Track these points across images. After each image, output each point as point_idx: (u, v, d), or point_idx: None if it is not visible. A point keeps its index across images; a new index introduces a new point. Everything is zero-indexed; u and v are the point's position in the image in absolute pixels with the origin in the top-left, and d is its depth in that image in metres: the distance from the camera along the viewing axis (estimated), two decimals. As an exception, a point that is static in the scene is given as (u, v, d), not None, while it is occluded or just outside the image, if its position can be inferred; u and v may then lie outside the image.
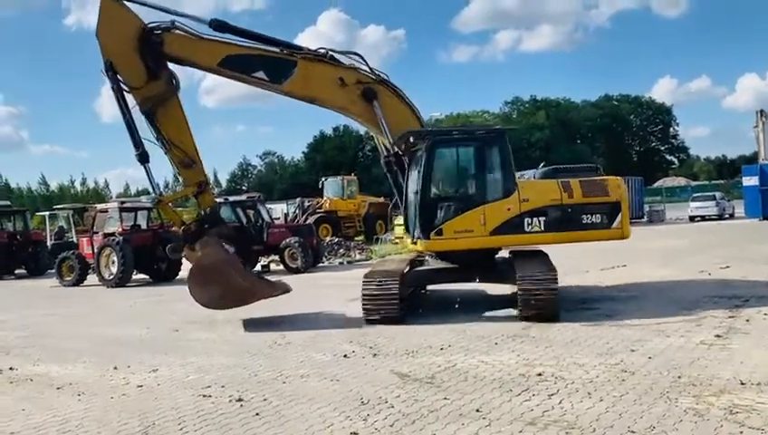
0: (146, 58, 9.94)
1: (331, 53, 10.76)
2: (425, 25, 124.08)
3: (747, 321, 8.59)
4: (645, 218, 39.10)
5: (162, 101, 10.10)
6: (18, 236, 25.24)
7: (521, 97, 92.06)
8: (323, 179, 34.89)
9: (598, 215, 10.48)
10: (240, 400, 6.24)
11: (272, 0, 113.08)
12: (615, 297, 11.15)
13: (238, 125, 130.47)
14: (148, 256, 19.42)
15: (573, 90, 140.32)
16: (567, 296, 11.14)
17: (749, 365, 6.39)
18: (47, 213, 31.27)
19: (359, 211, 32.19)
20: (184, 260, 19.75)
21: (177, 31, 10.17)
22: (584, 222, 10.45)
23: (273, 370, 7.35)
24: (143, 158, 10.26)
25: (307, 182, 69.35)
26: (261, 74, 10.48)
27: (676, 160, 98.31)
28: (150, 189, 10.96)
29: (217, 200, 23.80)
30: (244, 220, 20.52)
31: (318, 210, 31.23)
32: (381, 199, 37.37)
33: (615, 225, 10.57)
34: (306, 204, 32.74)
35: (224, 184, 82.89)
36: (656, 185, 74.06)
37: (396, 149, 10.99)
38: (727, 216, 36.95)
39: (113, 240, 18.57)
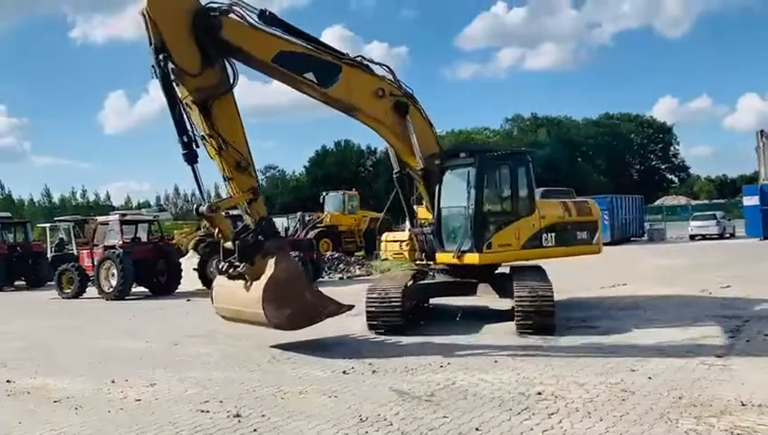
0: (202, 42, 8.66)
1: (366, 62, 10.43)
2: (428, 42, 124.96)
3: (748, 341, 8.56)
4: (645, 237, 39.09)
5: (218, 94, 8.87)
6: (18, 248, 25.21)
7: (522, 114, 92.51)
8: (324, 194, 34.89)
9: (585, 232, 11.95)
10: (238, 415, 6.21)
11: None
12: (616, 316, 11.11)
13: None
14: (148, 269, 19.40)
15: (575, 108, 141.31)
16: (568, 314, 11.14)
17: (750, 386, 6.36)
18: (48, 225, 31.28)
19: (359, 226, 32.16)
20: (187, 273, 19.97)
21: (235, 16, 9.03)
22: (578, 238, 11.82)
23: (272, 385, 7.31)
24: (192, 157, 8.83)
25: (308, 196, 69.45)
26: (310, 76, 9.67)
27: (676, 179, 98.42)
28: (198, 194, 9.33)
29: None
30: (245, 234, 20.48)
31: (318, 225, 31.21)
32: (382, 215, 37.41)
33: (594, 241, 12.20)
34: (307, 218, 32.74)
35: (224, 195, 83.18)
36: (656, 203, 74.07)
37: (423, 164, 10.80)
38: (728, 235, 36.93)
39: (113, 253, 18.56)
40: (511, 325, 9.96)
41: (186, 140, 8.77)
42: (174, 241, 27.09)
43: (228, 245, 9.39)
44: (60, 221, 31.19)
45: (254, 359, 8.91)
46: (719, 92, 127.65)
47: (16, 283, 25.15)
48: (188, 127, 8.81)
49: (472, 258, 10.46)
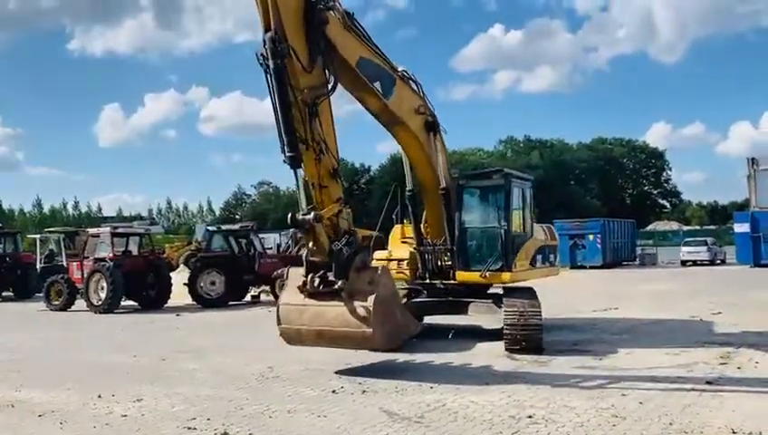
0: (311, 36, 8.10)
1: (408, 76, 10.38)
2: (424, 63, 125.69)
3: (738, 368, 8.56)
4: (637, 261, 39.19)
5: (323, 95, 8.31)
6: (8, 259, 25.02)
7: (515, 137, 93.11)
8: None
9: (552, 255, 12.59)
10: (225, 434, 6.13)
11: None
12: (607, 340, 11.10)
13: (234, 154, 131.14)
14: (137, 283, 19.26)
15: (570, 131, 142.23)
16: (559, 338, 11.13)
17: (741, 414, 6.34)
18: (38, 236, 31.07)
19: (352, 244, 32.09)
20: (177, 288, 19.83)
21: (334, 13, 8.58)
22: (549, 260, 12.44)
23: (260, 403, 7.23)
24: (298, 161, 8.07)
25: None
26: (378, 85, 9.42)
27: (668, 204, 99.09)
28: (301, 201, 8.37)
29: (210, 228, 23.99)
30: (237, 249, 20.46)
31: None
32: (375, 233, 37.34)
33: (556, 263, 12.90)
34: (299, 235, 32.64)
35: (218, 212, 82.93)
36: (648, 228, 74.42)
37: (445, 184, 10.85)
38: (719, 261, 37.09)
39: (103, 265, 18.42)
40: (503, 345, 9.98)
41: (293, 140, 7.99)
42: (165, 255, 26.97)
43: (316, 258, 8.45)
44: (50, 232, 31.00)
45: (243, 376, 8.82)
46: (712, 119, 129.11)
47: (4, 293, 24.91)
48: (304, 127, 8.13)
49: (504, 277, 10.64)
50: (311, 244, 8.46)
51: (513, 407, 6.78)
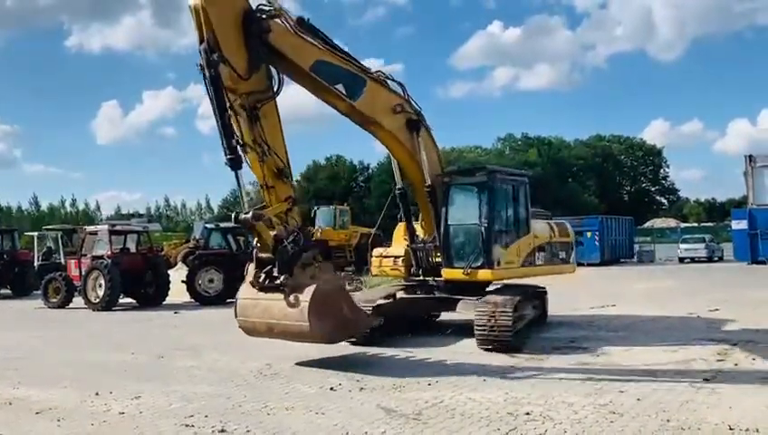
0: (250, 44, 8.41)
1: (383, 77, 10.56)
2: (423, 60, 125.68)
3: (736, 365, 8.58)
4: (635, 258, 39.23)
5: (265, 100, 8.68)
6: (5, 256, 25.00)
7: (513, 134, 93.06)
8: (315, 208, 34.84)
9: (564, 252, 12.48)
10: (223, 431, 6.13)
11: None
12: (605, 337, 11.11)
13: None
14: (135, 280, 19.24)
15: (568, 128, 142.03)
16: (557, 335, 11.15)
17: (738, 410, 6.35)
18: (36, 233, 31.03)
19: (350, 241, 32.12)
20: (175, 285, 19.82)
21: (281, 21, 8.92)
22: (559, 257, 12.34)
23: (258, 401, 7.24)
24: (237, 163, 8.48)
25: (300, 211, 69.40)
26: (340, 87, 9.71)
27: (666, 202, 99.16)
28: (242, 201, 9.15)
29: (208, 226, 23.97)
30: (234, 247, 20.44)
31: (309, 239, 31.12)
32: (373, 230, 37.38)
33: (570, 261, 12.73)
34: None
35: (216, 210, 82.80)
36: (646, 225, 74.44)
37: (430, 181, 10.95)
38: (716, 258, 37.15)
39: (101, 263, 18.40)
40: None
41: (232, 144, 8.39)
42: (163, 252, 26.97)
43: (264, 255, 8.99)
44: (48, 230, 30.97)
45: (241, 373, 8.82)
46: (710, 117, 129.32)
47: (2, 291, 24.90)
48: (238, 132, 8.56)
49: (485, 274, 10.64)
50: (255, 241, 9.15)
51: (510, 404, 6.79)
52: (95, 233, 20.57)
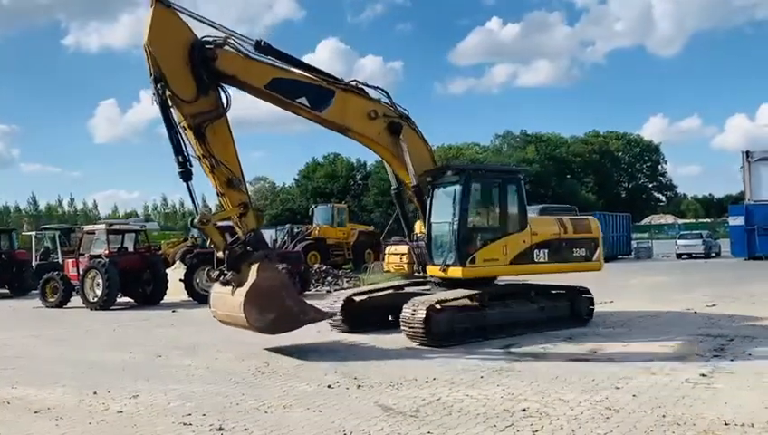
0: (197, 72, 9.48)
1: (361, 86, 11.15)
2: (422, 57, 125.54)
3: (732, 360, 8.61)
4: (632, 255, 39.29)
5: (211, 119, 9.64)
6: (3, 256, 24.95)
7: (512, 131, 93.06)
8: (314, 206, 34.87)
9: (583, 249, 12.19)
10: (221, 429, 6.15)
11: (270, 28, 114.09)
12: (601, 333, 11.15)
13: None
14: (133, 280, 19.23)
15: (567, 125, 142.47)
16: (553, 331, 11.15)
17: (733, 405, 6.39)
18: (33, 233, 30.99)
19: (348, 239, 32.15)
20: (173, 284, 19.82)
21: (229, 48, 9.87)
22: (574, 254, 12.06)
23: (256, 399, 7.25)
24: (187, 175, 9.62)
25: (297, 209, 69.36)
26: (303, 100, 10.47)
27: (663, 198, 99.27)
28: (193, 208, 10.27)
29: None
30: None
31: (307, 237, 31.14)
32: (371, 228, 37.42)
33: (595, 258, 12.40)
34: (295, 230, 32.69)
35: (213, 208, 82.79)
36: (644, 222, 74.57)
37: (416, 181, 11.34)
38: (713, 254, 37.25)
39: (99, 262, 18.38)
40: (499, 340, 10.19)
41: (181, 159, 9.51)
42: (161, 251, 26.93)
43: (220, 254, 10.04)
44: (46, 229, 30.94)
45: (239, 372, 8.84)
46: (709, 112, 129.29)
47: (0, 291, 24.86)
48: (184, 148, 9.56)
49: (455, 272, 10.84)
50: (209, 242, 10.43)
51: (507, 400, 6.82)
52: (93, 232, 20.55)
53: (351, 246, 31.93)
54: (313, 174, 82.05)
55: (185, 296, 19.46)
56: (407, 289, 11.94)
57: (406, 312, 10.26)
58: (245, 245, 9.83)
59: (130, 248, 20.65)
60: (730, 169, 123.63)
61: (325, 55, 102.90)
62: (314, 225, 32.36)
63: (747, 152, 34.70)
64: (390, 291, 12.17)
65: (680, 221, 72.55)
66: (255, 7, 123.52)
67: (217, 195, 10.12)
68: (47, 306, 19.32)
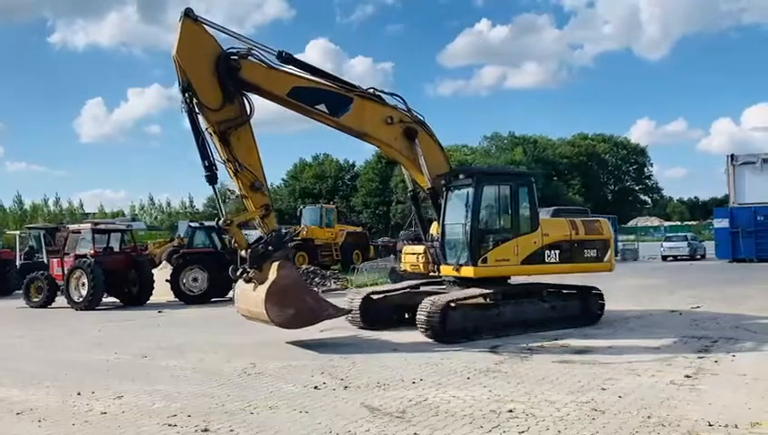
0: (223, 82, 10.06)
1: (378, 93, 11.61)
2: (412, 58, 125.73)
3: (716, 362, 8.68)
4: (618, 257, 39.45)
5: (236, 125, 10.21)
6: (-14, 256, 24.68)
7: (500, 133, 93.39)
8: (302, 207, 34.77)
9: (594, 250, 12.52)
10: (206, 430, 6.11)
11: (259, 27, 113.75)
12: (587, 334, 11.20)
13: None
14: (119, 280, 19.07)
15: (555, 127, 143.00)
16: (540, 332, 11.19)
17: (717, 406, 6.44)
18: (18, 232, 30.67)
19: (336, 240, 32.09)
20: (160, 284, 19.68)
21: (253, 58, 10.42)
22: (585, 255, 12.40)
23: (242, 400, 7.22)
24: (212, 179, 10.38)
25: (286, 209, 69.15)
26: (322, 107, 10.98)
27: (649, 200, 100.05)
28: (219, 210, 11.06)
29: (192, 225, 23.84)
30: (219, 245, 20.35)
31: (295, 238, 31.03)
32: (359, 229, 37.41)
33: (606, 259, 12.78)
34: (283, 231, 32.56)
35: (201, 209, 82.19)
36: (630, 224, 75.12)
37: (431, 184, 11.79)
38: (699, 256, 37.56)
39: (84, 262, 18.21)
40: (488, 341, 10.38)
41: (207, 164, 10.23)
42: (147, 251, 26.75)
43: (243, 253, 10.63)
44: (30, 229, 30.61)
45: (225, 373, 8.79)
46: (695, 116, 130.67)
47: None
48: (210, 153, 10.24)
49: (467, 271, 11.24)
50: (233, 242, 11.15)
51: (493, 401, 6.83)
52: (78, 232, 20.37)
53: (339, 247, 31.88)
54: (302, 174, 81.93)
55: (171, 297, 19.35)
56: (422, 288, 12.35)
57: (422, 309, 10.58)
58: (267, 244, 10.33)
59: (116, 248, 20.48)
60: (715, 172, 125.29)
61: (315, 55, 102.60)
62: (302, 225, 32.26)
63: (732, 156, 35.03)
64: (407, 290, 12.57)
65: (666, 223, 73.22)
66: (244, 6, 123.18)
67: (241, 197, 10.72)
68: (31, 306, 19.12)
